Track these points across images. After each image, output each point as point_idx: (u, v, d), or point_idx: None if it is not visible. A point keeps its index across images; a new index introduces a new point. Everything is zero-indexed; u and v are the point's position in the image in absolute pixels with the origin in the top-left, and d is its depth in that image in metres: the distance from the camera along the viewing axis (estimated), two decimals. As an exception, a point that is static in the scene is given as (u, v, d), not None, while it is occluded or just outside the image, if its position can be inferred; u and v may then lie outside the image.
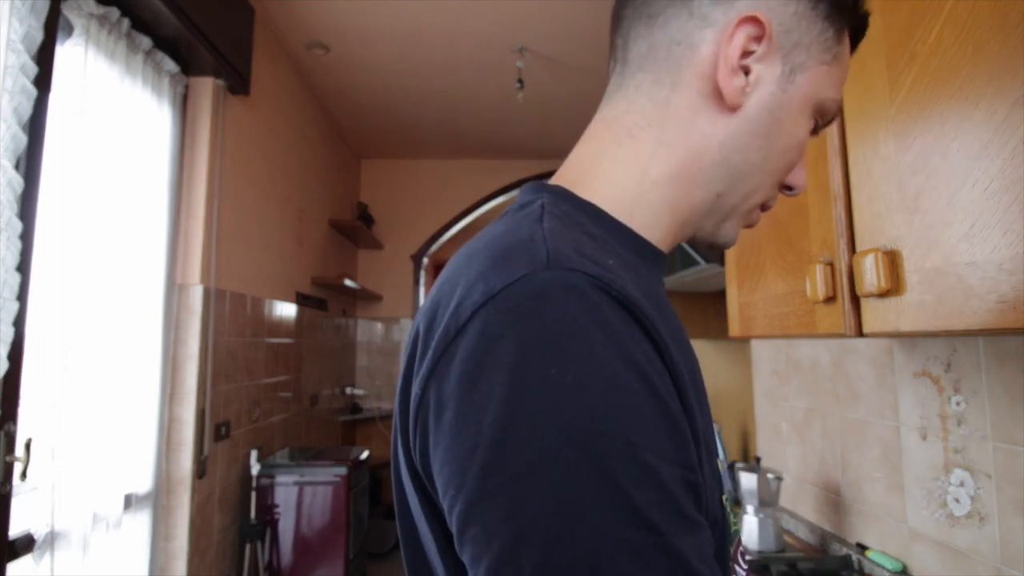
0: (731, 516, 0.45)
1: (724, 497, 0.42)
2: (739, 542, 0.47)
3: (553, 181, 0.46)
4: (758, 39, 0.41)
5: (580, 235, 0.38)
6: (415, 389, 0.35)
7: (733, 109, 0.42)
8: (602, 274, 0.33)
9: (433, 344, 0.34)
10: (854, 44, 0.47)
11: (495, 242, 0.37)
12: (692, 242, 0.50)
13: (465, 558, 0.32)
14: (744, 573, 0.48)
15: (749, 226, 0.49)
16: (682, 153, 0.43)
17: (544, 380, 0.30)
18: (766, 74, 0.42)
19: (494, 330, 0.32)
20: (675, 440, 0.32)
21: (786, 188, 0.48)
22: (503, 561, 0.29)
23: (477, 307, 0.33)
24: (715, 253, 1.13)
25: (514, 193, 4.12)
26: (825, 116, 0.46)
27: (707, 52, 0.42)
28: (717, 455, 0.43)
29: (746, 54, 0.41)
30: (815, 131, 0.47)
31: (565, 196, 0.43)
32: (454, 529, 0.32)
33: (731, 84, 0.41)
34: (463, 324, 0.33)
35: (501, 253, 0.35)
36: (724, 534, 0.40)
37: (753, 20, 0.40)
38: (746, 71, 0.41)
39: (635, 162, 0.44)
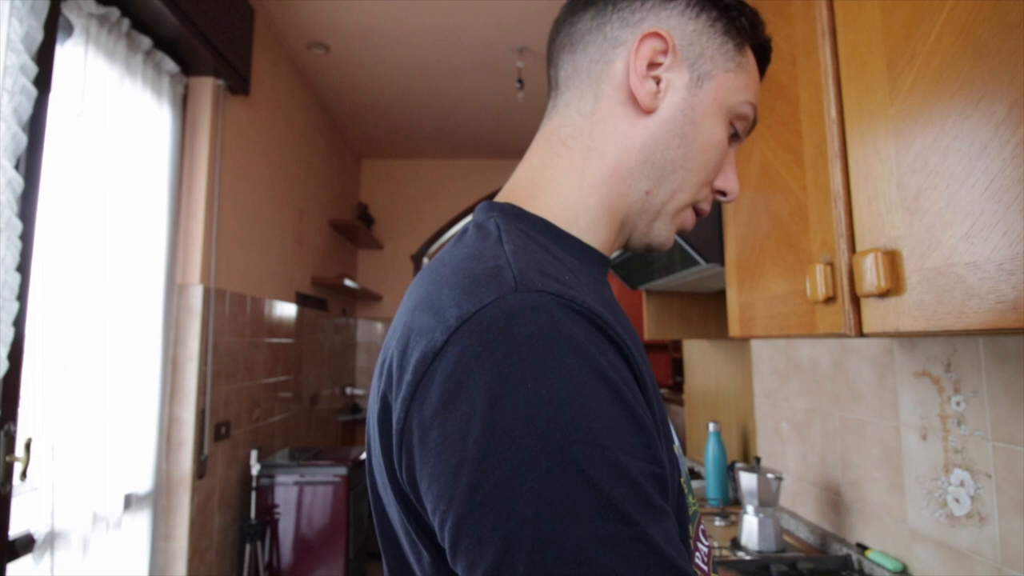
0: (690, 497, 0.48)
1: (682, 479, 0.46)
2: (699, 520, 0.50)
3: (501, 198, 0.51)
4: (663, 52, 0.47)
5: (538, 252, 0.42)
6: (397, 413, 0.37)
7: (648, 112, 0.48)
8: (564, 291, 0.37)
9: (411, 368, 0.36)
10: (762, 62, 0.53)
11: (462, 268, 0.40)
12: (629, 247, 0.54)
13: (460, 569, 0.34)
14: (707, 548, 0.51)
15: (683, 229, 0.53)
16: (611, 156, 0.48)
17: (520, 395, 0.33)
18: (675, 81, 0.48)
19: (470, 351, 0.34)
20: (641, 438, 0.35)
21: (719, 193, 0.53)
22: (497, 566, 0.31)
23: (452, 331, 0.35)
24: (715, 253, 1.13)
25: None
26: (742, 120, 0.51)
27: (620, 66, 0.48)
28: (673, 440, 0.47)
29: (654, 65, 0.47)
30: (737, 136, 0.52)
31: (515, 213, 0.47)
32: (447, 543, 0.34)
33: (642, 89, 0.47)
34: (440, 347, 0.35)
35: (470, 279, 0.38)
36: (684, 514, 0.44)
37: (656, 35, 0.47)
38: (657, 80, 0.48)
39: (572, 169, 0.49)
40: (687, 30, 0.48)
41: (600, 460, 0.32)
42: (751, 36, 0.51)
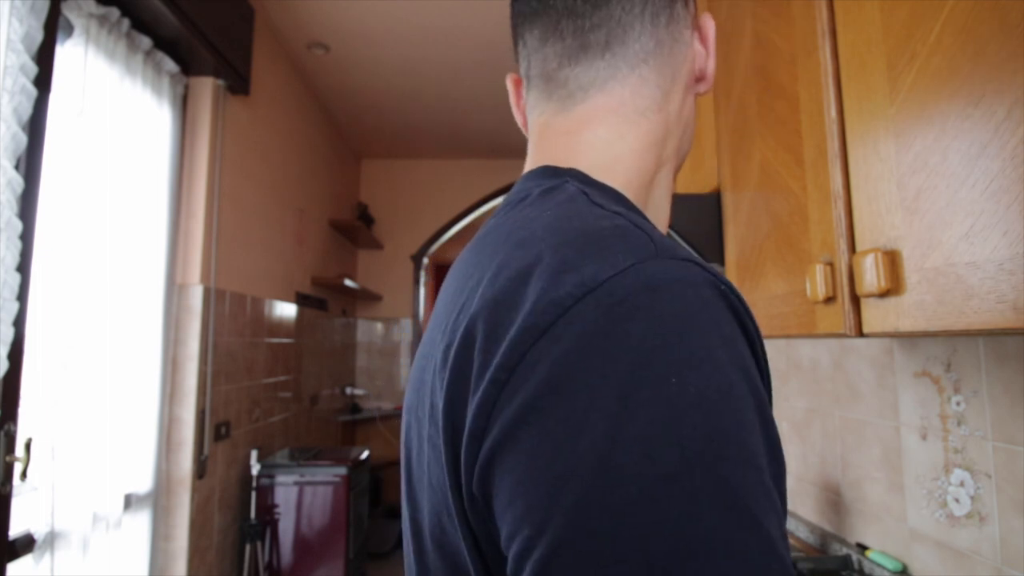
0: None
1: None
2: None
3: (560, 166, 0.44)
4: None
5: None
6: (475, 409, 0.29)
7: (707, 87, 0.50)
8: (711, 267, 0.30)
9: (504, 348, 0.28)
10: None
11: (563, 228, 0.32)
12: None
13: None
14: None
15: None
16: (677, 132, 0.48)
17: (660, 392, 0.25)
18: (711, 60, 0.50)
19: (595, 329, 0.27)
20: (775, 465, 0.28)
21: None
22: None
23: (572, 301, 0.27)
24: (715, 253, 1.13)
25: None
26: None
27: (692, 48, 0.48)
28: None
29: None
30: None
31: (593, 183, 0.40)
32: None
33: (710, 70, 0.49)
34: (551, 322, 0.27)
35: (586, 239, 0.30)
36: None
37: (709, 16, 0.49)
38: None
39: (653, 144, 0.46)
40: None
41: (758, 486, 0.25)
42: None
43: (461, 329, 0.32)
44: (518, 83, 0.52)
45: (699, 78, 0.49)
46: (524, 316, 0.28)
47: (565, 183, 0.39)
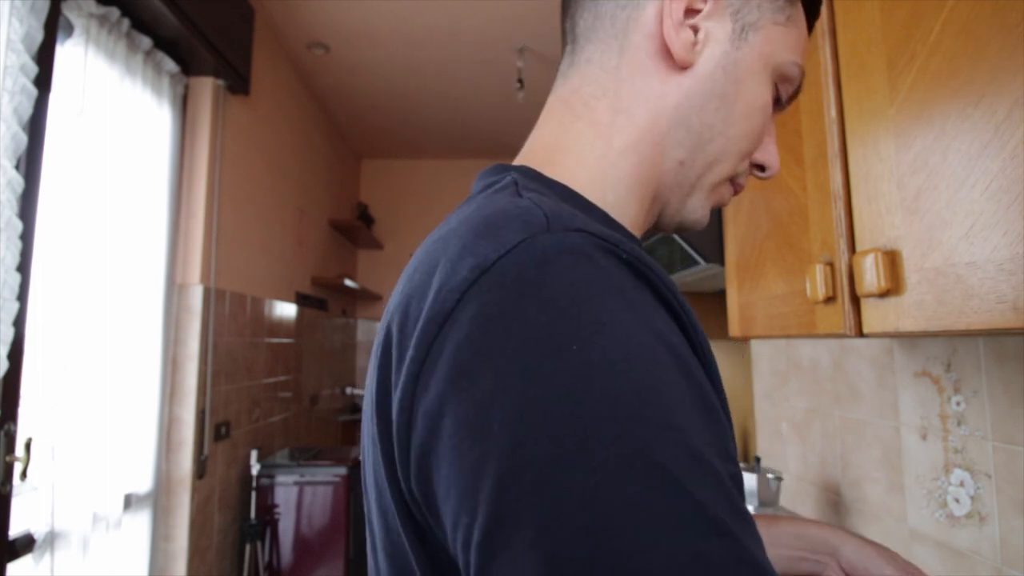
0: None
1: None
2: None
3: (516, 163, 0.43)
4: None
5: (568, 207, 0.34)
6: (398, 403, 0.29)
7: (684, 67, 0.40)
8: (609, 235, 0.29)
9: (414, 341, 0.28)
10: (810, 20, 0.46)
11: (472, 217, 0.32)
12: (659, 226, 0.47)
13: None
14: None
15: (719, 205, 0.46)
16: (641, 117, 0.41)
17: (563, 360, 0.25)
18: (716, 31, 0.40)
19: (493, 309, 0.26)
20: (714, 426, 0.27)
21: (757, 168, 0.46)
22: None
23: (467, 285, 0.27)
24: (715, 253, 1.13)
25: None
26: (788, 82, 0.44)
27: (652, 12, 0.41)
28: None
29: (692, 12, 0.40)
30: (779, 102, 0.45)
31: (534, 176, 0.39)
32: (472, 568, 0.25)
33: (678, 39, 0.40)
34: (451, 309, 0.27)
35: (485, 224, 0.30)
36: None
37: None
38: (695, 29, 0.40)
39: (597, 134, 0.41)
40: None
41: (678, 447, 0.24)
42: None
43: (383, 329, 0.32)
44: None
45: (672, 57, 0.40)
46: (428, 306, 0.28)
47: (505, 176, 0.39)
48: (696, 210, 0.44)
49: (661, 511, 0.22)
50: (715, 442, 0.26)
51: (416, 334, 0.28)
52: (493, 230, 0.29)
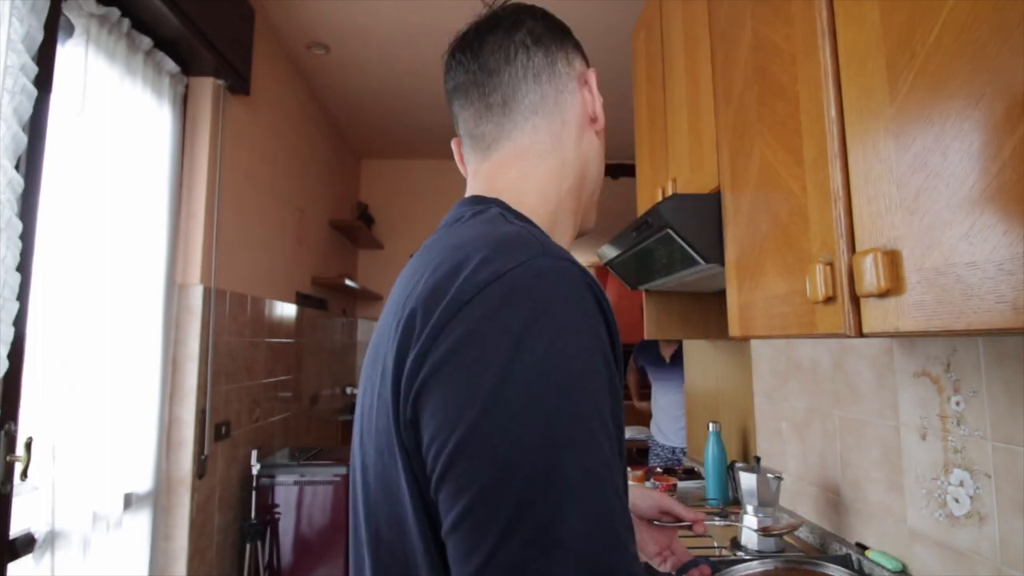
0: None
1: None
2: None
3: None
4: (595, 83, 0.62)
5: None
6: (413, 355, 0.41)
7: (599, 128, 0.62)
8: (582, 266, 0.43)
9: (438, 313, 0.40)
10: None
11: (485, 235, 0.45)
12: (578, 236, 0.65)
13: (441, 497, 0.37)
14: None
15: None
16: (579, 167, 0.60)
17: (539, 345, 0.37)
18: (599, 107, 0.62)
19: (500, 302, 0.39)
20: (619, 410, 0.42)
21: None
22: (490, 488, 0.35)
23: (484, 284, 0.40)
24: (715, 253, 1.13)
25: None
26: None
27: (577, 96, 0.61)
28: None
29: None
30: None
31: (509, 209, 0.54)
32: (436, 472, 0.38)
33: (599, 112, 0.61)
34: (470, 298, 0.39)
35: (499, 243, 0.43)
36: (625, 481, 0.51)
37: (593, 71, 0.62)
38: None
39: (551, 179, 0.58)
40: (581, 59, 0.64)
41: (598, 413, 0.38)
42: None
43: (408, 308, 0.43)
44: (458, 144, 0.65)
45: (592, 119, 0.61)
46: (453, 292, 0.40)
47: (489, 207, 0.53)
48: (593, 219, 0.66)
49: (580, 443, 0.36)
50: (617, 417, 0.41)
51: (440, 309, 0.40)
52: (505, 248, 0.42)
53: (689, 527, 0.82)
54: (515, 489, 0.34)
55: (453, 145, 0.66)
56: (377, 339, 0.50)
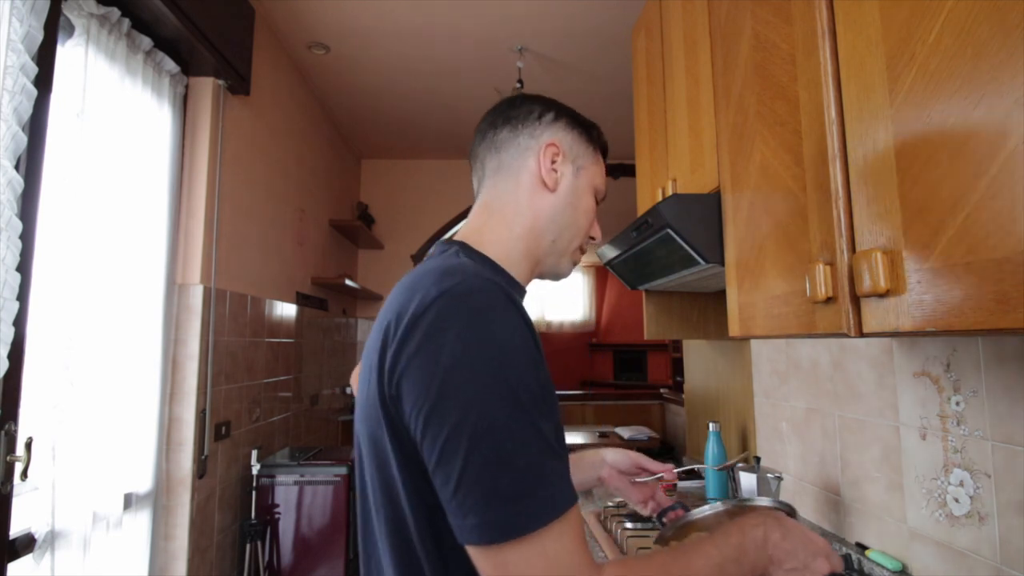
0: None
1: None
2: None
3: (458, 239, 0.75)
4: (558, 154, 0.76)
5: (484, 268, 0.67)
6: (392, 351, 0.57)
7: (552, 191, 0.76)
8: (503, 282, 0.61)
9: (404, 323, 0.57)
10: (604, 157, 0.84)
11: (435, 270, 0.61)
12: (542, 276, 0.80)
13: (425, 447, 0.54)
14: None
15: (575, 263, 0.82)
16: (529, 218, 0.75)
17: (478, 335, 0.54)
18: (566, 171, 0.76)
19: (445, 310, 0.55)
20: (550, 397, 0.56)
21: (591, 238, 0.81)
22: (452, 432, 0.52)
23: (434, 298, 0.56)
24: (715, 253, 1.13)
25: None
26: (600, 193, 0.81)
27: (533, 163, 0.76)
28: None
29: (553, 161, 0.76)
30: (597, 203, 0.81)
31: (468, 249, 0.72)
32: (419, 432, 0.54)
33: (548, 177, 0.75)
34: (425, 309, 0.56)
35: (443, 272, 0.60)
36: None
37: (553, 144, 0.76)
38: (555, 170, 0.75)
39: (505, 226, 0.75)
40: (568, 139, 0.77)
41: (525, 390, 0.53)
42: (598, 142, 0.81)
43: (386, 321, 0.60)
44: None
45: (543, 183, 0.75)
46: (413, 308, 0.57)
47: (451, 247, 0.72)
48: (565, 267, 0.80)
49: (509, 403, 0.52)
50: (538, 376, 0.56)
51: (405, 320, 0.57)
52: (447, 275, 0.59)
53: (661, 478, 1.01)
54: (468, 430, 0.51)
55: None
56: (370, 342, 0.64)
